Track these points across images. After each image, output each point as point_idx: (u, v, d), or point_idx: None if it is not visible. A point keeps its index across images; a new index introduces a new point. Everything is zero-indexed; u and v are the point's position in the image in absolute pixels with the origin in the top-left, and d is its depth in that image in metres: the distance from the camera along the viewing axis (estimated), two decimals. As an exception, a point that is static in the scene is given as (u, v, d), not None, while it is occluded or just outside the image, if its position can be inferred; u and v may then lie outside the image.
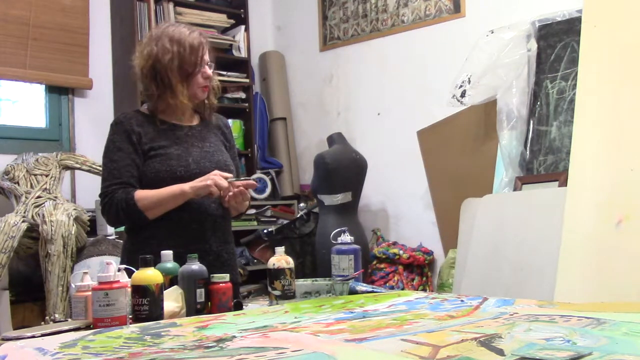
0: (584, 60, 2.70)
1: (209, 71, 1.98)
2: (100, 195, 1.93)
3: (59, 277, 3.00)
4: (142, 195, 1.87)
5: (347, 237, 1.93)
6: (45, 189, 3.31)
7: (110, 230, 3.37)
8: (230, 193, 1.88)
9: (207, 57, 1.98)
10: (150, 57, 1.93)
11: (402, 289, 3.50)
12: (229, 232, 2.05)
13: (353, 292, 1.81)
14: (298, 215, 4.19)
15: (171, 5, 4.07)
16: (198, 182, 1.87)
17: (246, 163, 4.43)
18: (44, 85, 3.85)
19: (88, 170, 3.55)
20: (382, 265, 3.77)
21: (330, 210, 3.80)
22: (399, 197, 4.08)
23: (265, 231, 4.02)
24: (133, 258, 1.77)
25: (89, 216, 3.31)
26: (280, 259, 1.76)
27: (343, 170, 3.80)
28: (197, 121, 2.06)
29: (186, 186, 1.87)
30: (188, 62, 1.93)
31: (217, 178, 1.85)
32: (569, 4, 3.17)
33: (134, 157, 1.92)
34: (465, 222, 3.23)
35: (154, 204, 1.87)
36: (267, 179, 4.44)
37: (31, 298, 3.25)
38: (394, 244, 3.88)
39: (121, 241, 3.11)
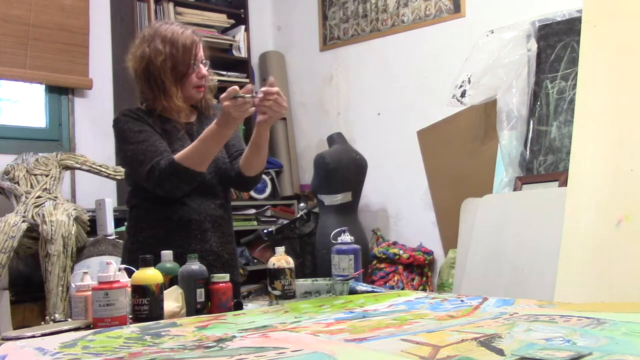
0: (584, 60, 2.70)
1: (204, 70, 1.95)
2: (146, 176, 1.82)
3: (59, 277, 3.00)
4: (183, 153, 1.80)
5: (347, 237, 1.93)
6: (45, 189, 3.31)
7: (110, 230, 3.37)
8: (257, 99, 1.75)
9: (201, 55, 1.95)
10: (143, 59, 1.90)
11: (402, 289, 3.50)
12: (229, 232, 2.05)
13: (353, 292, 1.81)
14: (298, 215, 4.19)
15: (171, 5, 4.07)
16: (220, 116, 1.76)
17: (246, 163, 4.43)
18: (44, 85, 3.85)
19: (88, 170, 3.55)
20: (382, 265, 3.77)
21: (330, 210, 3.80)
22: (399, 197, 4.08)
23: (265, 231, 4.02)
24: (133, 258, 1.77)
25: (89, 216, 3.31)
26: (280, 259, 1.76)
27: (343, 170, 3.80)
28: (194, 117, 2.05)
29: (216, 126, 1.78)
30: (181, 62, 1.90)
31: (227, 103, 1.73)
32: (569, 4, 3.17)
33: (159, 135, 1.88)
34: (465, 222, 3.23)
35: (199, 156, 1.81)
36: (267, 179, 4.44)
37: (31, 298, 3.25)
38: (394, 244, 3.88)
39: (121, 241, 3.11)
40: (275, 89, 1.79)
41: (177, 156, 1.81)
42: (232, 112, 1.73)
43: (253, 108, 1.76)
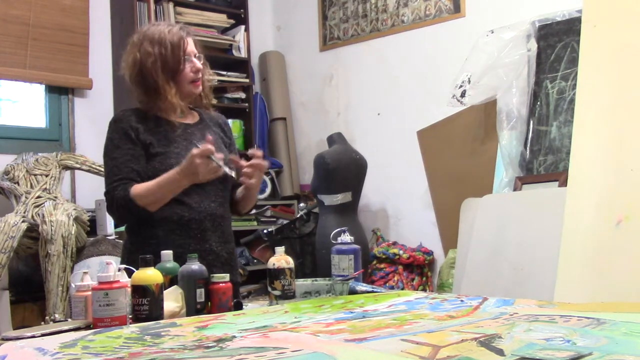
0: (584, 60, 2.70)
1: (198, 64, 1.95)
2: (104, 195, 1.91)
3: (59, 277, 3.00)
4: (139, 191, 1.84)
5: (347, 237, 1.93)
6: (45, 189, 3.31)
7: (110, 230, 3.37)
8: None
9: (192, 50, 1.95)
10: (135, 64, 1.92)
11: (402, 289, 3.50)
12: (229, 231, 2.05)
13: (353, 292, 1.81)
14: (298, 215, 4.19)
15: (171, 5, 4.07)
16: (185, 168, 1.78)
17: (246, 163, 4.44)
18: (44, 85, 3.85)
19: (88, 170, 3.55)
20: (382, 265, 3.77)
21: (330, 210, 3.80)
22: (399, 197, 4.08)
23: (265, 231, 4.02)
24: (133, 258, 1.77)
25: (89, 216, 3.31)
26: (280, 259, 1.76)
27: (343, 170, 3.80)
28: (195, 119, 2.05)
29: (178, 176, 1.80)
30: (171, 60, 1.90)
31: (199, 161, 1.75)
32: (569, 4, 3.17)
33: (133, 152, 1.89)
34: (465, 222, 3.23)
35: (154, 200, 1.85)
36: (267, 179, 4.44)
37: (31, 298, 3.25)
38: (394, 244, 3.88)
39: (121, 241, 3.11)
40: (259, 161, 1.87)
41: (133, 192, 1.83)
42: (200, 173, 1.76)
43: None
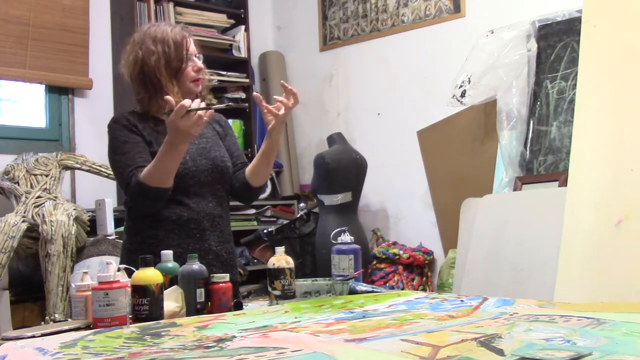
0: (584, 60, 2.70)
1: (199, 63, 1.96)
2: (124, 191, 1.87)
3: (59, 277, 3.00)
4: (146, 172, 1.79)
5: (347, 237, 1.93)
6: (45, 189, 3.31)
7: (110, 230, 3.37)
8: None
9: (193, 49, 1.96)
10: (137, 62, 1.91)
11: (402, 289, 3.50)
12: (228, 231, 2.05)
13: (353, 292, 1.81)
14: (298, 215, 4.19)
15: (171, 5, 4.07)
16: (172, 136, 1.72)
17: (246, 163, 4.44)
18: (44, 85, 3.85)
19: (88, 170, 3.55)
20: (382, 265, 3.77)
21: (330, 210, 3.80)
22: (399, 197, 4.08)
23: (265, 231, 4.02)
24: (132, 258, 1.77)
25: (89, 216, 3.31)
26: (280, 259, 1.76)
27: (343, 170, 3.80)
28: None
29: (169, 146, 1.74)
30: (175, 58, 1.91)
31: (182, 123, 1.69)
32: (569, 4, 3.17)
33: (142, 145, 1.89)
34: (465, 222, 3.23)
35: (161, 175, 1.79)
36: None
37: (31, 298, 3.25)
38: (394, 244, 3.89)
39: (121, 241, 3.11)
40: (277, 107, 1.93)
41: (141, 176, 1.80)
42: (190, 130, 1.70)
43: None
